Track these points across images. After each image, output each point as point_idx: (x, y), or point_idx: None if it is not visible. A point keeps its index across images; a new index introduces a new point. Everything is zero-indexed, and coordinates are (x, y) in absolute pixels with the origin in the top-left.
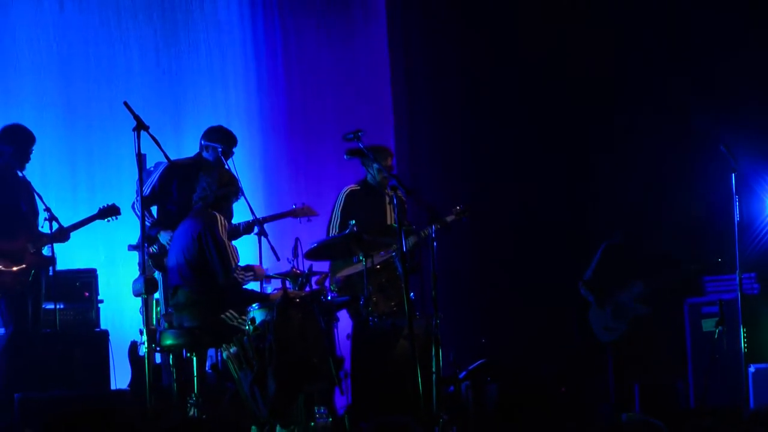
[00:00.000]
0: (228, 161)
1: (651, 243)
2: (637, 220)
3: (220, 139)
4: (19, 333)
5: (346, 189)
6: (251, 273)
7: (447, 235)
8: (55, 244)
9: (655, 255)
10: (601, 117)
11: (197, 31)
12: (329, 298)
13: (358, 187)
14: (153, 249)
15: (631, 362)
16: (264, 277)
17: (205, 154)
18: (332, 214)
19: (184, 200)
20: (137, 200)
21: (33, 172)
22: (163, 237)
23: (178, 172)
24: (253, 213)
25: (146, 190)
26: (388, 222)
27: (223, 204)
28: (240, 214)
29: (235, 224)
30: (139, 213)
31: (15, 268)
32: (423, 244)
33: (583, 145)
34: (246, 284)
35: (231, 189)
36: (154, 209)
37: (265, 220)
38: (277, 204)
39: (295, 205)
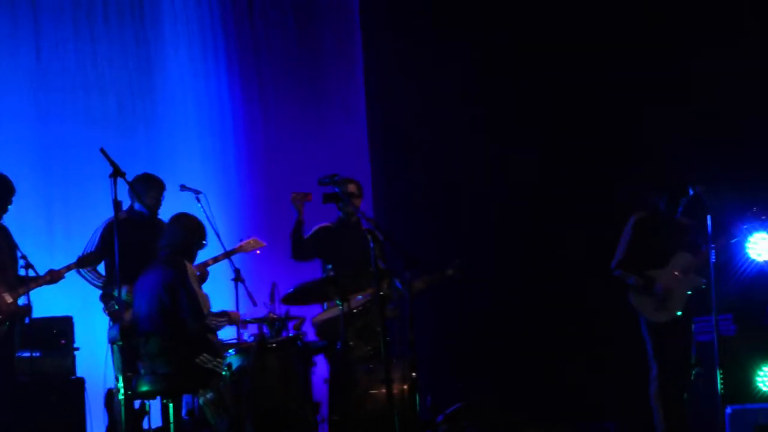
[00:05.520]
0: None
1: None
2: None
3: None
4: None
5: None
6: (225, 318)
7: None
8: (30, 293)
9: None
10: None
11: (173, 79)
12: (306, 342)
13: (331, 224)
14: (114, 306)
15: None
16: (239, 322)
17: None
18: None
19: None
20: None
21: (10, 219)
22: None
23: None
24: (230, 261)
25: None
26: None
27: (192, 250)
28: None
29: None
30: (87, 277)
31: None
32: (399, 294)
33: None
34: (220, 329)
35: (199, 235)
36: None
37: (216, 260)
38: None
39: (241, 240)
